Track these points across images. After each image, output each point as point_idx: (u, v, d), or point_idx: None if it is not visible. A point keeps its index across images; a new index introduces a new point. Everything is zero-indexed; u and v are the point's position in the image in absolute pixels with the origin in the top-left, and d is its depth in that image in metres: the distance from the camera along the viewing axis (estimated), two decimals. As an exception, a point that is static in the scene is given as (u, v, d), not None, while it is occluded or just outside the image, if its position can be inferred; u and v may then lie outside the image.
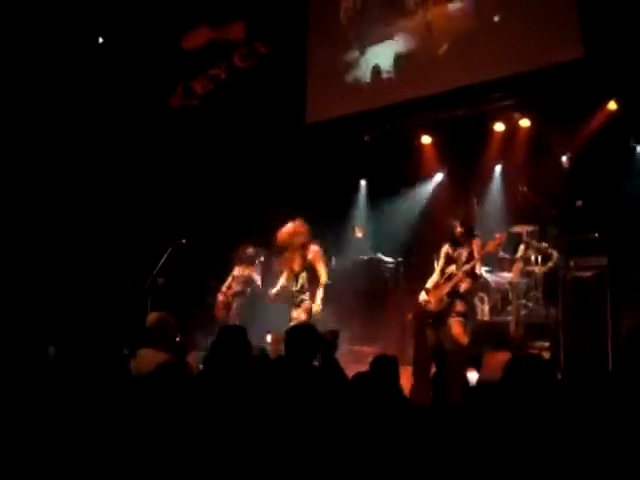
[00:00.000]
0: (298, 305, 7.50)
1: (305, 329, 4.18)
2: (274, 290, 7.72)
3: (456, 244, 7.15)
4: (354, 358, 7.85)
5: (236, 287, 8.92)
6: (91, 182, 10.12)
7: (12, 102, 9.58)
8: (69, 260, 9.57)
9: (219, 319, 8.83)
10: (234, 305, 8.86)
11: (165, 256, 8.27)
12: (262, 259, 8.99)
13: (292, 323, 7.19)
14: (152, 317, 5.02)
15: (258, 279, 8.91)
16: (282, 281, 7.71)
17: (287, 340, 4.11)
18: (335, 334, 4.58)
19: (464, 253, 7.06)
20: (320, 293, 7.37)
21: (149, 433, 3.18)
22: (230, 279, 9.05)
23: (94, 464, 3.07)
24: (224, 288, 9.02)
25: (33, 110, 9.73)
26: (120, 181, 10.32)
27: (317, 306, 7.33)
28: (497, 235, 7.17)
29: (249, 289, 8.86)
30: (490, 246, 7.02)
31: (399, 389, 3.33)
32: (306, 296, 7.46)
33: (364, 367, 3.91)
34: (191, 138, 10.40)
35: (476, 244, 7.04)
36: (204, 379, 3.79)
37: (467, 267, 6.97)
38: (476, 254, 6.99)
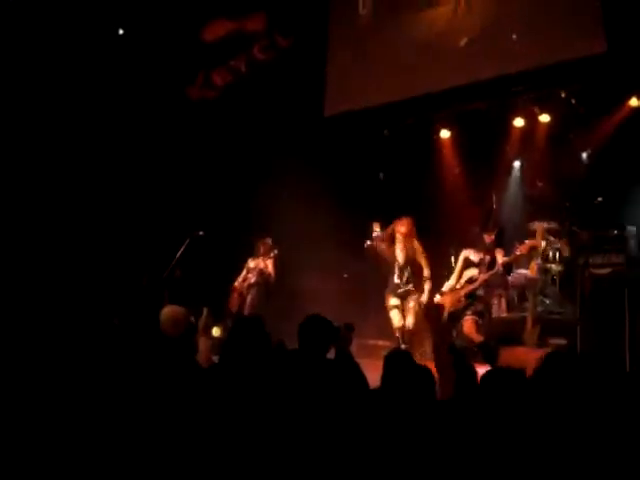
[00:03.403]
0: (403, 296, 7.84)
1: (319, 321, 4.16)
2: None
3: (481, 249, 7.23)
4: (369, 352, 7.85)
5: (251, 279, 8.95)
6: (110, 173, 10.15)
7: (34, 91, 9.63)
8: (86, 252, 9.60)
9: (233, 311, 8.88)
10: (249, 297, 8.88)
11: (183, 248, 8.32)
12: (276, 252, 8.99)
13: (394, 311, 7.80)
14: (165, 312, 4.86)
15: (272, 271, 8.91)
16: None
17: (301, 332, 4.11)
18: (350, 327, 4.56)
19: (488, 258, 7.14)
20: (427, 286, 7.78)
21: (162, 424, 3.20)
22: (245, 271, 9.08)
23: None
24: (239, 280, 9.06)
25: (53, 100, 9.77)
26: (139, 172, 10.35)
27: (424, 297, 7.78)
28: (517, 247, 7.24)
29: (263, 281, 8.89)
30: (512, 258, 7.13)
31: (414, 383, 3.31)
32: (411, 287, 7.83)
33: (379, 361, 3.90)
34: (210, 129, 10.41)
35: (500, 252, 7.13)
36: (220, 370, 3.80)
37: (491, 272, 7.05)
38: (500, 260, 7.08)
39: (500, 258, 7.16)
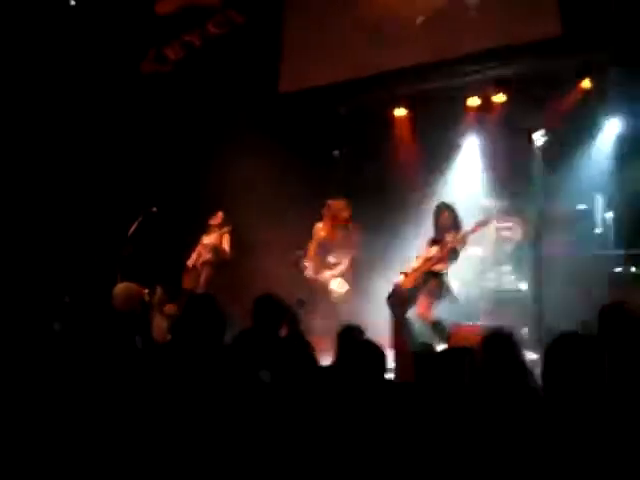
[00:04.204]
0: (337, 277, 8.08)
1: (271, 299, 4.15)
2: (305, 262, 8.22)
3: (440, 229, 7.33)
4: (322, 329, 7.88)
5: (205, 255, 8.89)
6: (60, 148, 9.97)
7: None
8: (35, 230, 9.43)
9: (188, 288, 8.81)
10: (203, 274, 8.84)
11: (136, 224, 8.23)
12: (229, 227, 8.97)
13: (334, 293, 7.98)
14: (119, 289, 4.85)
15: (227, 248, 8.87)
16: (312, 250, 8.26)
17: (254, 310, 4.10)
18: (301, 302, 4.58)
19: (448, 238, 7.25)
20: (347, 260, 8.07)
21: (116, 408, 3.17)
22: (199, 247, 9.02)
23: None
24: (193, 257, 9.00)
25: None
26: (90, 147, 10.18)
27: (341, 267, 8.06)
28: (475, 226, 7.37)
29: (218, 258, 8.84)
30: (465, 237, 7.26)
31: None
32: (343, 267, 8.11)
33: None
34: (163, 104, 10.26)
35: (450, 235, 7.25)
36: (172, 348, 3.78)
37: (448, 247, 7.15)
38: (449, 244, 7.21)
39: (450, 241, 7.32)
